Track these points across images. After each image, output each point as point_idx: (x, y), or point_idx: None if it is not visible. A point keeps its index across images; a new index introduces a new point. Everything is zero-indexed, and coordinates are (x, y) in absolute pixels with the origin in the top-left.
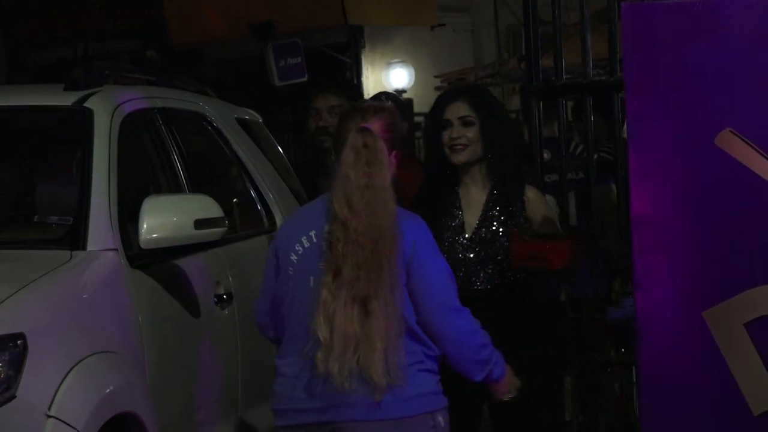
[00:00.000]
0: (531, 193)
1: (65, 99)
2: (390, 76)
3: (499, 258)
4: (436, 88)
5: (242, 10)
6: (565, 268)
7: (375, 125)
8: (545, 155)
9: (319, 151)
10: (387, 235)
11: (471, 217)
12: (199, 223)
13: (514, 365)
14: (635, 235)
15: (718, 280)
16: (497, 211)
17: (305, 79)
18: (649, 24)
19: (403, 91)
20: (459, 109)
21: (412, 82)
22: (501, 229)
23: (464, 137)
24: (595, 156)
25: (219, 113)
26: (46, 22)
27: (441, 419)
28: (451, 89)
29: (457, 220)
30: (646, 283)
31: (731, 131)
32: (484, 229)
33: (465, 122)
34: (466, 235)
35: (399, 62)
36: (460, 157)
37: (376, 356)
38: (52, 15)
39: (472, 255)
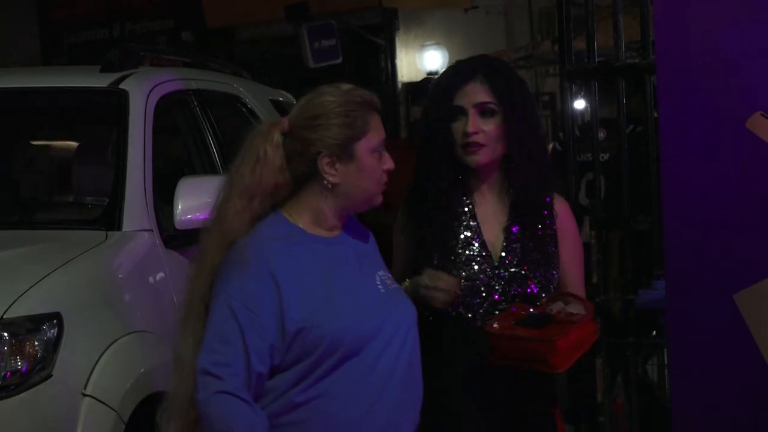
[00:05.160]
0: (560, 206)
1: (101, 80)
2: (424, 58)
3: (528, 292)
4: None
5: None
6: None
7: None
8: (601, 135)
9: None
10: None
11: (492, 237)
12: None
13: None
14: (666, 219)
15: (749, 262)
16: (522, 230)
17: (339, 60)
18: (681, 7)
19: (436, 73)
20: (476, 94)
21: (445, 64)
22: (531, 257)
23: (481, 132)
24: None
25: (253, 95)
26: (81, 4)
27: None
28: (463, 63)
29: (476, 240)
30: (677, 266)
31: (763, 114)
32: (512, 257)
33: (484, 111)
34: (494, 263)
35: (433, 44)
36: (477, 159)
37: None
38: None
39: (498, 287)
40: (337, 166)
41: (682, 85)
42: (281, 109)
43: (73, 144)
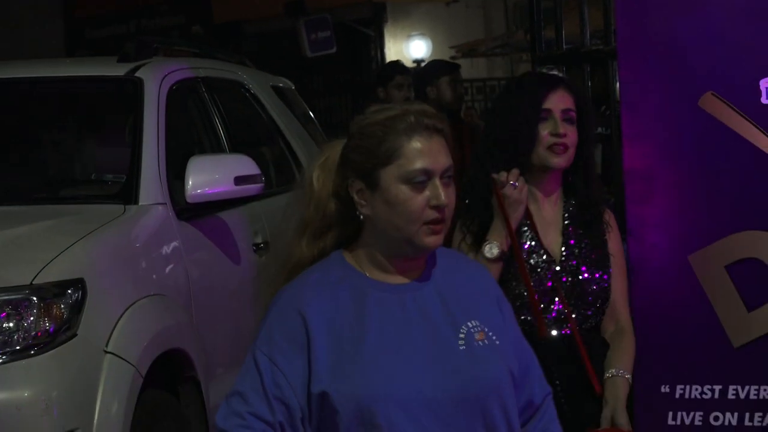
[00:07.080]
0: (611, 218)
1: (118, 70)
2: (410, 47)
3: (590, 292)
4: (452, 58)
5: None
6: None
7: None
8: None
9: None
10: None
11: (551, 241)
12: (239, 180)
13: None
14: (628, 188)
15: (702, 227)
16: (578, 234)
17: (334, 50)
18: None
19: (422, 60)
20: (563, 100)
21: (430, 53)
22: (590, 258)
23: (568, 137)
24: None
25: (256, 81)
26: (101, 2)
27: None
28: (539, 73)
29: (535, 243)
30: (638, 231)
31: (713, 94)
32: (573, 260)
33: (568, 118)
34: (556, 268)
35: (418, 35)
36: (561, 162)
37: None
38: None
39: (562, 290)
40: (366, 195)
41: (640, 69)
42: (282, 94)
43: (94, 127)
